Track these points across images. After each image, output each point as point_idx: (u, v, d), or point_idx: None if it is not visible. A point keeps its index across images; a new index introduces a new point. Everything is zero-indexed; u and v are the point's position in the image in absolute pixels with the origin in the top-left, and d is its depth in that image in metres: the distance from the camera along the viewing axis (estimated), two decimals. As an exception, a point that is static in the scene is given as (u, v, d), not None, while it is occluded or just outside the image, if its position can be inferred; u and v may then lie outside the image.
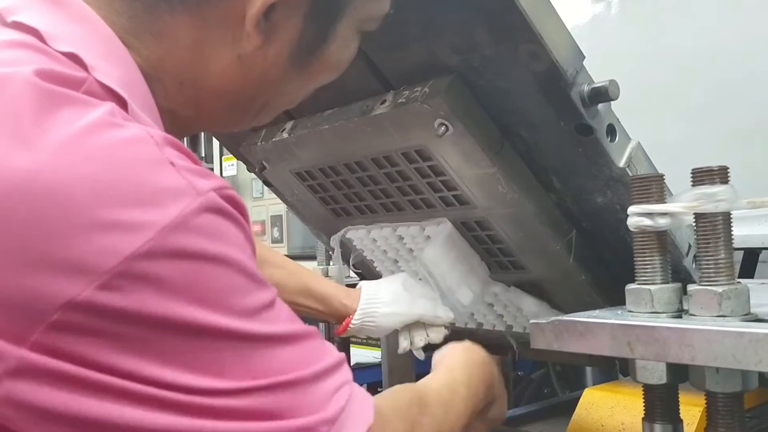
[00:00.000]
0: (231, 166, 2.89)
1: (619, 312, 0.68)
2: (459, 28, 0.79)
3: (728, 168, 0.63)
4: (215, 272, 0.46)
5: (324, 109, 1.00)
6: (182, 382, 0.44)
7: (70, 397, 0.43)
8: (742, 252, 1.27)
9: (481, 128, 0.85)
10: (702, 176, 0.63)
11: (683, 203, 0.63)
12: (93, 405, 0.43)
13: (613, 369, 1.34)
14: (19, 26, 0.51)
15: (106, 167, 0.44)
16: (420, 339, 1.10)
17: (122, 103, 0.50)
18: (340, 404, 0.51)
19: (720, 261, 0.62)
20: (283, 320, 0.51)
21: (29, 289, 0.42)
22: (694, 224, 0.65)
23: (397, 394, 0.70)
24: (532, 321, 0.68)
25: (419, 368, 1.31)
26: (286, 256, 2.88)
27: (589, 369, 2.00)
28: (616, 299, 0.79)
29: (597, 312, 0.69)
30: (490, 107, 0.85)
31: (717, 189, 0.62)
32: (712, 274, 0.62)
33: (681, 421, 0.68)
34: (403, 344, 1.11)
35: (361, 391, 0.55)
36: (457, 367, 0.82)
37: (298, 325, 0.52)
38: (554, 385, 2.12)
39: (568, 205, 0.91)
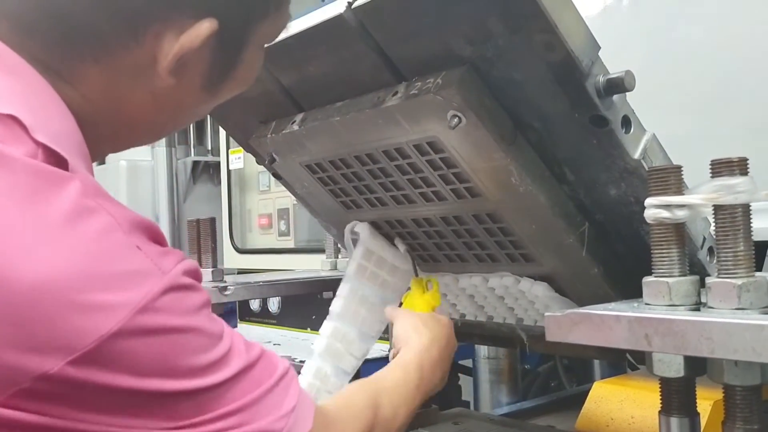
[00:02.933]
0: (238, 159, 2.89)
1: (636, 305, 0.67)
2: (473, 18, 0.78)
3: (747, 159, 0.62)
4: (179, 341, 0.52)
5: (335, 101, 0.99)
6: (140, 426, 0.51)
7: None
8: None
9: (494, 120, 0.84)
10: (721, 167, 0.62)
11: (702, 195, 0.62)
12: None
13: (622, 362, 1.33)
14: None
15: (83, 257, 0.49)
16: None
17: (63, 162, 0.53)
18: (290, 406, 0.59)
19: (739, 253, 0.61)
20: (237, 356, 0.57)
21: (8, 363, 0.47)
22: (712, 216, 0.64)
23: (352, 397, 0.79)
24: (547, 314, 0.68)
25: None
26: (293, 249, 2.87)
27: (596, 363, 2.00)
28: (629, 292, 0.79)
29: (613, 305, 0.68)
30: (503, 98, 0.84)
31: (737, 180, 0.61)
32: (731, 267, 0.61)
33: (698, 414, 0.68)
34: None
35: (305, 399, 0.62)
36: (412, 359, 0.92)
37: (251, 352, 0.58)
38: (561, 378, 2.11)
39: (581, 197, 0.90)
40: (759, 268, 1.35)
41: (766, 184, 0.64)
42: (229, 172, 3.04)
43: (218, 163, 3.23)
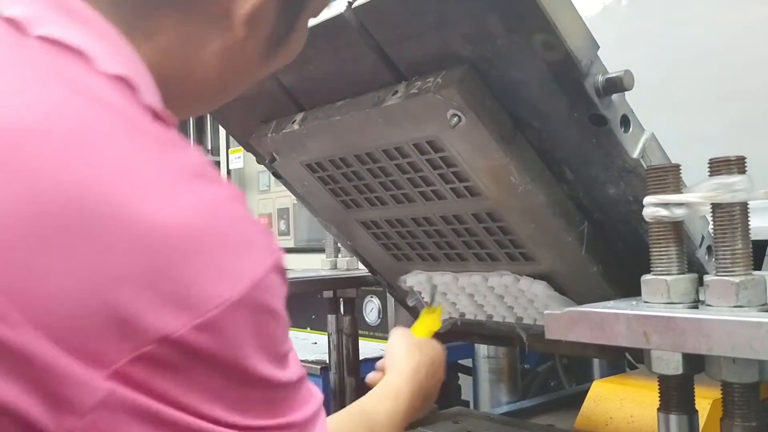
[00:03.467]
0: (238, 158, 2.89)
1: (634, 303, 0.68)
2: (472, 18, 0.79)
3: (745, 158, 0.63)
4: (272, 325, 0.51)
5: (335, 100, 1.00)
6: (232, 421, 0.48)
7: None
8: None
9: (493, 119, 0.85)
10: (719, 166, 0.63)
11: (700, 193, 0.63)
12: None
13: (621, 362, 1.34)
14: (54, 43, 0.50)
15: (216, 223, 0.47)
16: None
17: (171, 128, 0.52)
18: None
19: (737, 251, 0.62)
20: (295, 361, 0.56)
21: (132, 314, 0.43)
22: (710, 214, 0.64)
23: (349, 426, 0.80)
24: (547, 312, 0.68)
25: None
26: (293, 248, 2.87)
27: (596, 362, 2.00)
28: (628, 291, 0.79)
29: (612, 303, 0.69)
30: (502, 98, 0.85)
31: (734, 179, 0.62)
32: (729, 265, 0.62)
33: (696, 411, 0.68)
34: None
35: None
36: (403, 388, 0.93)
37: (300, 368, 0.57)
38: (561, 377, 2.12)
39: (580, 196, 0.91)
40: (758, 267, 1.36)
41: (765, 183, 0.65)
42: (228, 171, 3.05)
43: (218, 163, 3.24)
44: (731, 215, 0.62)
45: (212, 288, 0.45)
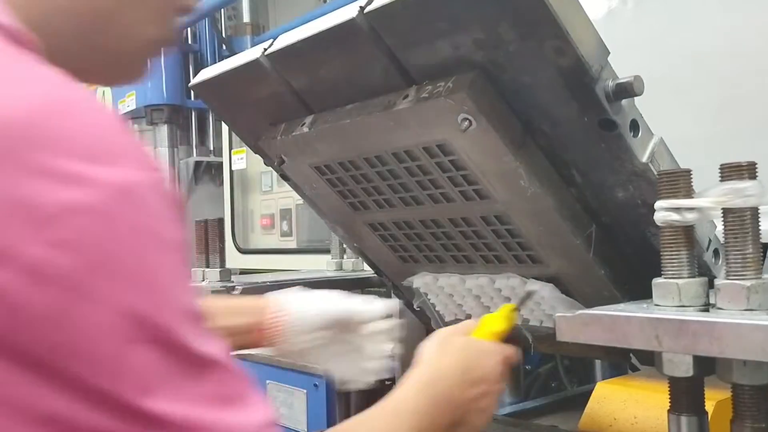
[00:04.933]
0: (240, 159, 2.90)
1: (645, 306, 0.68)
2: (484, 23, 0.79)
3: (756, 164, 0.64)
4: (152, 251, 0.45)
5: (345, 103, 1.01)
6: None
7: None
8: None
9: (504, 123, 0.86)
10: (730, 171, 0.64)
11: (712, 198, 0.64)
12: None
13: (624, 363, 1.34)
14: None
15: (71, 121, 0.43)
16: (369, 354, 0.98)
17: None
18: None
19: (748, 255, 0.63)
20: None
21: None
22: (721, 219, 0.65)
23: None
24: (558, 314, 0.69)
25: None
26: (295, 249, 2.86)
27: (598, 364, 2.01)
28: (635, 294, 0.80)
29: (623, 306, 0.70)
30: (513, 102, 0.86)
31: (746, 184, 0.62)
32: (740, 269, 0.63)
33: (706, 413, 0.69)
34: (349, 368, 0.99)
35: None
36: (410, 405, 0.71)
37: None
38: (562, 379, 2.12)
39: (588, 199, 0.92)
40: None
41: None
42: (231, 172, 3.05)
43: (220, 164, 3.24)
44: (742, 220, 0.63)
45: (56, 193, 0.40)
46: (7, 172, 0.39)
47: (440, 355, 0.77)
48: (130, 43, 0.61)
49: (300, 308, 0.97)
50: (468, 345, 0.80)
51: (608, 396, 1.23)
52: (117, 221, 0.41)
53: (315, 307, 0.97)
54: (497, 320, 0.89)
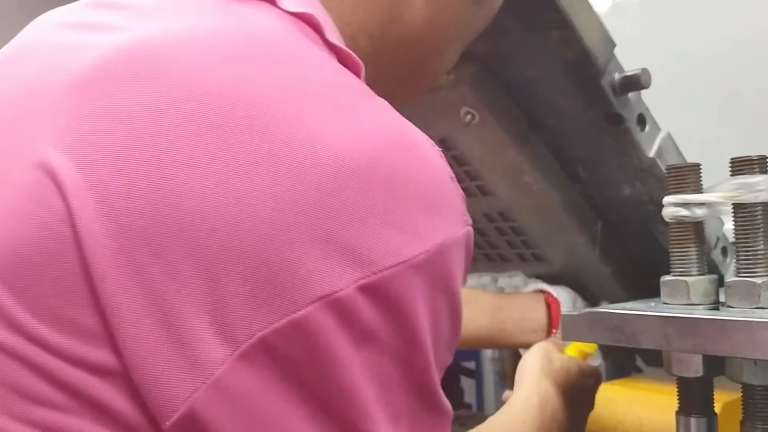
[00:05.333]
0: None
1: (653, 304, 0.67)
2: (487, 14, 0.78)
3: (767, 157, 0.62)
4: (444, 316, 0.40)
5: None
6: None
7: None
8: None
9: (507, 117, 0.84)
10: (741, 166, 0.62)
11: (722, 193, 0.62)
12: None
13: (628, 365, 1.32)
14: None
15: (414, 165, 0.39)
16: None
17: (356, 71, 0.46)
18: None
19: (759, 252, 0.61)
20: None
21: (288, 265, 0.34)
22: (731, 215, 0.63)
23: None
24: (564, 313, 0.67)
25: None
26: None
27: (602, 365, 1.99)
28: (640, 292, 0.78)
29: (630, 304, 0.68)
30: (517, 96, 0.84)
31: (757, 179, 0.60)
32: (751, 266, 0.61)
33: (716, 414, 0.67)
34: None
35: None
36: (530, 418, 0.71)
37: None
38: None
39: (593, 196, 0.90)
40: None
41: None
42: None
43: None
44: (753, 215, 0.61)
45: (390, 241, 0.36)
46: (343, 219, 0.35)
47: (545, 376, 0.74)
48: (440, 72, 0.63)
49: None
50: (570, 367, 0.78)
51: (613, 398, 1.21)
52: (431, 277, 0.38)
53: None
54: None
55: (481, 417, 1.42)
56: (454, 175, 0.42)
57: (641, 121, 0.79)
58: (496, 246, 1.04)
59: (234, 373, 0.34)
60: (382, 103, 0.42)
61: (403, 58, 0.57)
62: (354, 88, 0.41)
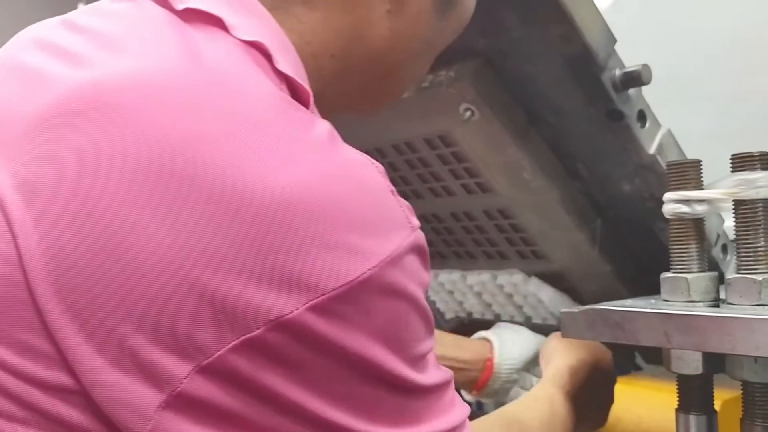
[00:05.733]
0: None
1: (653, 301, 0.66)
2: (487, 9, 0.77)
3: (769, 154, 0.61)
4: (408, 315, 0.44)
5: (344, 94, 0.98)
6: (357, 428, 0.42)
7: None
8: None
9: (507, 113, 0.83)
10: (742, 162, 0.61)
11: (722, 189, 0.61)
12: None
13: (627, 363, 1.32)
14: (195, 13, 0.47)
15: (346, 190, 0.41)
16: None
17: (305, 98, 0.48)
18: None
19: (759, 249, 0.60)
20: (432, 366, 0.48)
21: (234, 294, 0.38)
22: (729, 212, 0.63)
23: None
24: (563, 310, 0.67)
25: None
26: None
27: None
28: (640, 290, 0.78)
29: (630, 301, 0.67)
30: (517, 92, 0.83)
31: (757, 175, 0.60)
32: (752, 263, 0.60)
33: (716, 412, 0.67)
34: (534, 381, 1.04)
35: None
36: (559, 393, 0.77)
37: (442, 372, 0.49)
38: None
39: (594, 193, 0.89)
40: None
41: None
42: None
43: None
44: (754, 212, 0.61)
45: (333, 265, 0.39)
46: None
47: (571, 351, 0.82)
48: (409, 79, 0.65)
49: (509, 355, 1.00)
50: (594, 345, 0.85)
51: (612, 395, 1.22)
52: (384, 288, 0.42)
53: (521, 352, 1.00)
54: None
55: (480, 416, 1.41)
56: (393, 189, 0.45)
57: (642, 117, 0.78)
58: (495, 243, 1.03)
59: (196, 385, 0.38)
60: (323, 130, 0.44)
61: (369, 73, 0.59)
62: (295, 123, 0.43)
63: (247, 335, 0.38)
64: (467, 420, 0.49)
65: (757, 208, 0.61)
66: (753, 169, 0.61)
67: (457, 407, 0.49)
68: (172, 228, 0.37)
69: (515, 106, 0.84)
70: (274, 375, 0.39)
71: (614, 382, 0.88)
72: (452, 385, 0.50)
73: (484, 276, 1.10)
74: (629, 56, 0.77)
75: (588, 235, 0.90)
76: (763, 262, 0.60)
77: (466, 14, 0.65)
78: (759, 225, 0.61)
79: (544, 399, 0.77)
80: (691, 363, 0.63)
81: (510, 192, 0.92)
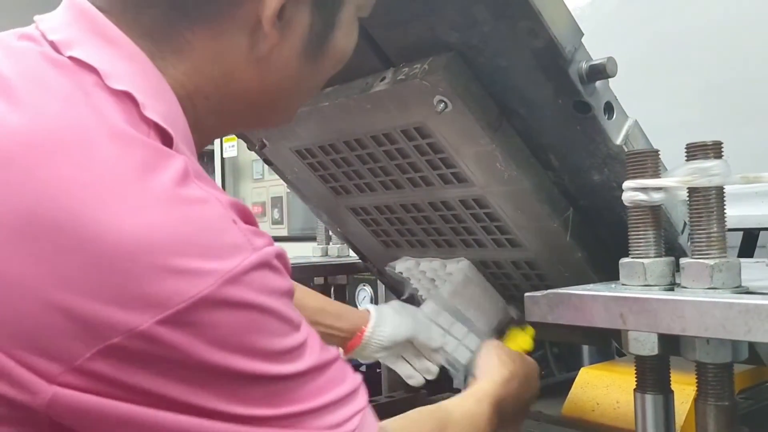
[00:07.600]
0: (231, 147, 2.90)
1: (613, 285, 0.69)
2: (458, 5, 0.79)
3: (722, 143, 0.64)
4: (259, 320, 0.52)
5: (324, 86, 1.00)
6: (211, 407, 0.51)
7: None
8: (741, 233, 1.28)
9: (479, 105, 0.86)
10: (696, 151, 0.64)
11: (677, 178, 0.64)
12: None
13: (609, 349, 1.35)
14: (77, 62, 0.55)
15: (182, 223, 0.50)
16: (420, 364, 1.14)
17: (169, 140, 0.55)
18: (354, 426, 0.57)
19: (712, 234, 0.63)
20: (311, 352, 0.56)
21: (98, 316, 0.47)
22: (686, 198, 0.66)
23: (417, 423, 0.76)
24: (527, 294, 0.69)
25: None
26: (287, 237, 2.87)
27: (586, 351, 2.02)
28: (612, 277, 0.80)
29: (591, 285, 0.70)
30: (489, 84, 0.86)
31: (710, 164, 0.63)
32: (704, 248, 0.63)
33: (672, 391, 0.70)
34: (406, 370, 1.14)
35: (370, 418, 0.60)
36: (487, 391, 0.88)
37: (324, 354, 0.57)
38: (551, 366, 2.13)
39: (565, 182, 0.92)
40: (750, 255, 1.36)
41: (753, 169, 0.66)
42: (222, 160, 3.05)
43: (212, 152, 3.24)
44: (707, 199, 0.63)
45: (174, 285, 0.48)
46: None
47: (506, 363, 0.94)
48: (293, 108, 0.73)
49: (381, 326, 1.10)
50: (524, 358, 0.99)
51: (591, 381, 1.24)
52: (228, 300, 0.51)
53: (395, 329, 1.10)
54: (525, 340, 1.10)
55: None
56: (236, 218, 0.54)
57: (609, 109, 0.81)
58: (472, 232, 1.06)
59: (72, 380, 0.48)
60: (173, 173, 0.52)
61: (247, 107, 0.67)
62: (147, 173, 0.51)
63: (108, 342, 0.47)
64: (359, 389, 0.59)
65: (710, 195, 0.63)
66: (707, 158, 0.63)
67: (341, 383, 0.57)
68: (39, 261, 0.47)
69: (487, 98, 0.86)
70: (140, 374, 0.49)
71: (535, 394, 0.99)
72: (336, 364, 0.58)
73: (463, 263, 1.13)
74: (609, 50, 0.79)
75: (560, 223, 0.93)
76: (716, 247, 0.63)
77: (341, 55, 0.70)
78: (712, 212, 0.63)
79: (472, 396, 0.87)
80: (647, 344, 0.65)
81: (484, 182, 0.95)
